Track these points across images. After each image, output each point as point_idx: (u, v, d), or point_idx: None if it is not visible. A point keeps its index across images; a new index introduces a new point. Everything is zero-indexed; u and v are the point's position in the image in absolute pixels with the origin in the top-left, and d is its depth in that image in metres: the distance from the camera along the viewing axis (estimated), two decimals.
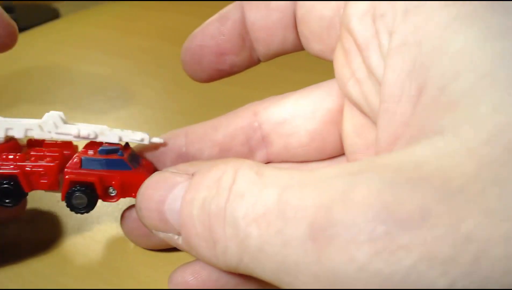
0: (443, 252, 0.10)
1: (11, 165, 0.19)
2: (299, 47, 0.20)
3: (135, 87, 0.39)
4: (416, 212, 0.11)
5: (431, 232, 0.10)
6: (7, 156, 0.19)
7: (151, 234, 0.17)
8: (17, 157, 0.19)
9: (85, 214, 0.20)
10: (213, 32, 0.20)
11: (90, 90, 0.39)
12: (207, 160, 0.21)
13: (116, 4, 0.56)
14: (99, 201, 0.20)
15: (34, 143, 0.21)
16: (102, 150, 0.19)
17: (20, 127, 0.19)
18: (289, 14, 0.19)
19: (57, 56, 0.44)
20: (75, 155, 0.19)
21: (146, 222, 0.17)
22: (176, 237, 0.16)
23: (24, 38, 0.48)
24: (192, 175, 0.16)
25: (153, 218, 0.17)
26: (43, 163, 0.19)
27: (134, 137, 0.20)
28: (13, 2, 0.55)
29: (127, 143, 0.20)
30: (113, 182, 0.19)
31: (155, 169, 0.20)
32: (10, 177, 0.19)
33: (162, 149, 0.21)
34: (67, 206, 0.19)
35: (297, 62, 0.41)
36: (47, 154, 0.20)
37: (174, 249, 0.21)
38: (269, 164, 0.21)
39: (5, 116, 0.20)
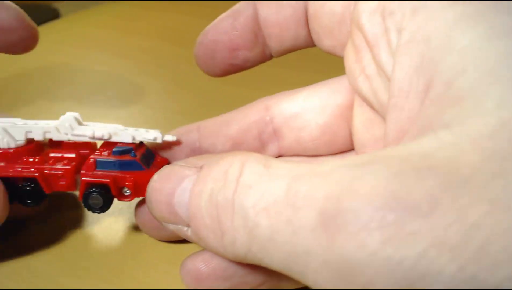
0: (452, 239, 0.11)
1: (31, 168, 0.20)
2: (310, 43, 0.20)
3: (135, 87, 0.39)
4: (425, 200, 0.11)
5: (439, 219, 0.11)
6: (27, 159, 0.20)
7: (163, 226, 0.18)
8: (36, 160, 0.20)
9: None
10: (226, 27, 0.21)
11: (90, 90, 0.39)
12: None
13: (116, 4, 0.56)
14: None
15: (54, 143, 0.21)
16: (115, 151, 0.20)
17: (39, 130, 0.20)
18: (301, 10, 0.20)
19: (57, 56, 0.44)
20: (90, 157, 0.20)
21: (156, 214, 0.18)
22: (185, 229, 0.17)
23: None
24: (201, 168, 0.17)
25: (162, 211, 0.17)
26: (60, 165, 0.20)
27: (147, 136, 0.20)
28: (13, 2, 0.55)
29: (141, 141, 0.21)
30: (127, 183, 0.20)
31: None
32: (31, 180, 0.20)
33: (178, 142, 0.22)
34: (84, 206, 0.20)
35: (297, 62, 0.41)
36: (65, 156, 0.21)
37: (183, 241, 0.21)
38: (278, 158, 0.21)
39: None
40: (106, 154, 0.20)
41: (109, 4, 0.57)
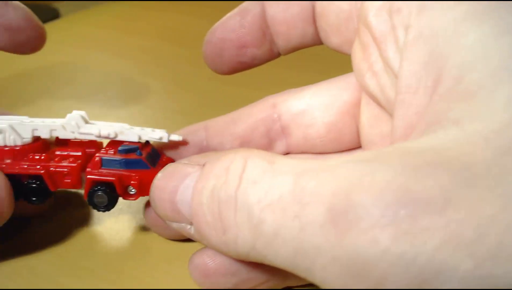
0: (468, 235, 0.10)
1: (37, 165, 0.20)
2: (317, 41, 0.21)
3: (135, 87, 0.40)
4: (439, 195, 0.11)
5: (454, 215, 0.11)
6: (33, 156, 0.20)
7: (168, 225, 0.18)
8: (42, 157, 0.20)
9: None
10: (234, 25, 0.21)
11: (90, 90, 0.39)
12: None
13: (116, 4, 0.57)
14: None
15: (61, 141, 0.21)
16: (121, 149, 0.20)
17: (45, 128, 0.20)
18: (308, 8, 0.20)
19: (57, 56, 0.44)
20: (96, 155, 0.20)
21: (159, 212, 0.18)
22: (188, 227, 0.17)
23: None
24: (203, 165, 0.17)
25: (166, 209, 0.17)
26: (66, 163, 0.20)
27: (153, 135, 0.20)
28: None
29: (147, 141, 0.21)
30: (132, 182, 0.20)
31: None
32: (36, 177, 0.20)
33: (184, 142, 0.22)
34: (89, 204, 0.20)
35: (297, 62, 0.41)
36: (71, 154, 0.21)
37: (188, 240, 0.21)
38: (284, 155, 0.21)
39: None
40: (112, 152, 0.20)
41: (109, 4, 0.57)
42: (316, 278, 0.13)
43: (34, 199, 0.20)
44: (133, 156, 0.20)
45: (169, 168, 0.18)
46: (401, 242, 0.11)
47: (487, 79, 0.12)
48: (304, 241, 0.13)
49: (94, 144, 0.21)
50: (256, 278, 0.18)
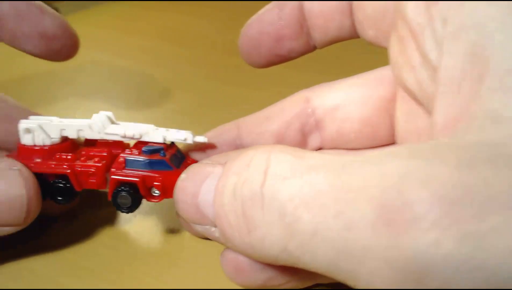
0: None
1: (64, 165, 0.20)
2: (354, 34, 0.20)
3: (135, 87, 0.40)
4: (505, 192, 0.10)
5: None
6: (60, 156, 0.20)
7: (192, 227, 0.18)
8: (69, 157, 0.20)
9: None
10: (272, 18, 0.21)
11: (90, 89, 0.39)
12: None
13: (116, 4, 0.56)
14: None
15: (89, 142, 0.22)
16: (145, 150, 0.20)
17: (73, 128, 0.21)
18: (345, 1, 0.20)
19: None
20: (120, 155, 0.20)
21: (183, 215, 0.17)
22: (212, 229, 0.17)
23: None
24: (224, 164, 0.16)
25: (189, 211, 0.17)
26: (91, 163, 0.20)
27: (178, 136, 0.21)
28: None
29: (173, 142, 0.21)
30: (155, 183, 0.20)
31: None
32: (62, 177, 0.20)
33: (211, 144, 0.22)
34: (113, 205, 0.20)
35: (299, 61, 0.41)
36: (96, 154, 0.21)
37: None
38: (313, 151, 0.21)
39: None
40: (137, 153, 0.20)
41: (109, 4, 0.57)
42: (360, 281, 0.12)
43: (60, 198, 0.21)
44: (157, 157, 0.20)
45: (191, 168, 0.18)
46: (466, 244, 0.10)
47: None
48: (349, 241, 0.12)
49: (121, 145, 0.21)
50: (286, 275, 0.18)
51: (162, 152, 0.20)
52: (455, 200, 0.10)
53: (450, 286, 0.10)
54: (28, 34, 0.24)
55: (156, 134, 0.20)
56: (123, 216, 0.24)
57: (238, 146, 0.22)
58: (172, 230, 0.23)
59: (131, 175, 0.20)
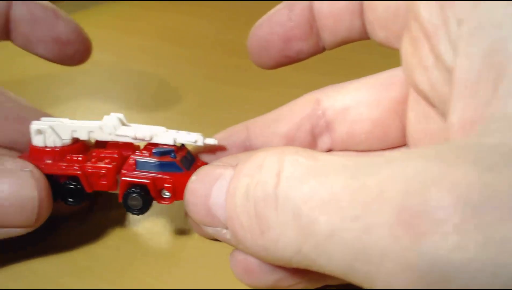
0: None
1: (75, 166, 0.20)
2: (364, 35, 0.20)
3: (134, 87, 0.39)
4: None
5: None
6: (71, 157, 0.20)
7: (204, 229, 0.18)
8: (79, 158, 0.20)
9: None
10: (281, 18, 0.21)
11: (90, 89, 0.39)
12: None
13: (116, 4, 0.56)
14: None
15: (100, 144, 0.22)
16: (156, 152, 0.20)
17: (84, 129, 0.21)
18: (356, 2, 0.20)
19: None
20: (131, 157, 0.20)
21: (194, 217, 0.17)
22: (224, 231, 0.16)
23: None
24: (236, 166, 0.16)
25: (200, 213, 0.17)
26: (102, 164, 0.20)
27: (188, 138, 0.21)
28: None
29: (183, 144, 0.21)
30: (166, 185, 0.20)
31: None
32: (73, 178, 0.20)
33: (222, 146, 0.22)
34: (124, 206, 0.20)
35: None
36: (107, 155, 0.21)
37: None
38: (325, 153, 0.21)
39: None
40: (147, 154, 0.20)
41: (109, 4, 0.57)
42: (377, 284, 0.12)
43: (70, 200, 0.21)
44: (167, 159, 0.20)
45: (201, 170, 0.18)
46: (489, 248, 0.10)
47: None
48: (367, 243, 0.12)
49: (132, 147, 0.22)
50: (296, 276, 0.18)
51: (172, 154, 0.20)
52: (478, 204, 0.10)
53: (471, 288, 0.10)
54: (42, 39, 0.24)
55: (166, 136, 0.21)
56: (122, 216, 0.24)
57: (248, 147, 0.22)
58: (172, 230, 0.23)
59: (142, 177, 0.20)
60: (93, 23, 0.52)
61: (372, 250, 0.12)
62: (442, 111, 0.17)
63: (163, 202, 0.20)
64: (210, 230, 0.17)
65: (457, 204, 0.10)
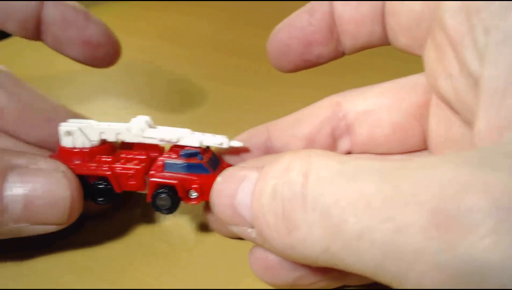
0: None
1: (104, 167, 0.21)
2: (384, 41, 0.21)
3: (135, 87, 0.40)
4: None
5: None
6: (100, 158, 0.21)
7: (229, 229, 0.18)
8: (109, 159, 0.21)
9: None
10: (302, 23, 0.21)
11: (90, 89, 0.39)
12: None
13: (116, 4, 0.57)
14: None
15: (126, 145, 0.22)
16: (183, 153, 0.21)
17: (112, 131, 0.21)
18: (378, 7, 0.20)
19: (58, 56, 0.43)
20: (159, 158, 0.21)
21: (220, 216, 0.18)
22: (249, 230, 0.17)
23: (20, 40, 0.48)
24: (262, 168, 0.17)
25: (226, 213, 0.17)
26: (131, 165, 0.21)
27: (214, 140, 0.21)
28: None
29: (208, 146, 0.22)
30: (193, 185, 0.20)
31: None
32: (103, 178, 0.21)
33: (245, 148, 0.22)
34: (152, 206, 0.21)
35: None
36: (136, 157, 0.22)
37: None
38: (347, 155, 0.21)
39: None
40: (174, 156, 0.21)
41: (109, 4, 0.57)
42: (407, 284, 0.12)
43: (100, 199, 0.21)
44: (194, 161, 0.20)
45: (227, 172, 0.18)
46: None
47: None
48: (399, 244, 0.12)
49: (157, 149, 0.22)
50: (315, 275, 0.18)
51: (199, 155, 0.21)
52: (511, 207, 0.11)
53: (506, 288, 0.11)
54: (73, 40, 0.25)
55: (192, 138, 0.21)
56: (122, 217, 0.24)
57: (269, 149, 0.22)
58: (172, 230, 0.24)
59: (170, 178, 0.20)
60: None
61: (403, 251, 0.12)
62: (465, 118, 0.17)
63: (191, 202, 0.21)
64: (235, 229, 0.17)
65: (491, 208, 0.11)
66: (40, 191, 0.19)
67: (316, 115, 0.22)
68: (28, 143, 0.23)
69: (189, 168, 0.20)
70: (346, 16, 0.20)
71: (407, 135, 0.21)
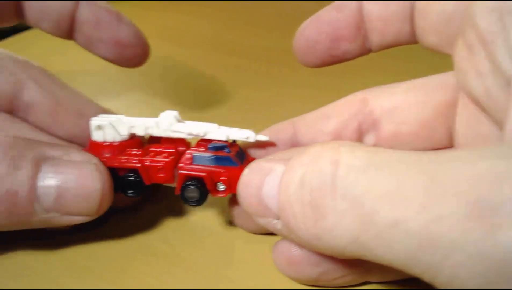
0: None
1: (134, 159, 0.21)
2: (412, 39, 0.21)
3: (135, 87, 0.40)
4: None
5: None
6: (130, 151, 0.22)
7: (254, 221, 0.18)
8: (139, 152, 0.22)
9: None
10: (330, 18, 0.21)
11: (90, 90, 0.39)
12: None
13: (116, 4, 0.56)
14: None
15: (154, 140, 0.23)
16: (211, 147, 0.21)
17: (141, 125, 0.22)
18: (407, 6, 0.20)
19: (57, 56, 0.44)
20: (187, 151, 0.21)
21: (246, 208, 0.18)
22: (274, 221, 0.17)
23: (24, 38, 0.48)
24: (289, 159, 0.17)
25: (252, 204, 0.18)
26: (160, 158, 0.21)
27: (240, 134, 0.22)
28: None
29: (234, 141, 0.22)
30: (222, 178, 0.21)
31: None
32: (133, 171, 0.21)
33: (271, 143, 0.22)
34: (181, 198, 0.21)
35: (297, 61, 0.41)
36: (164, 150, 0.22)
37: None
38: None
39: None
40: (202, 149, 0.21)
41: (109, 4, 0.57)
42: (441, 274, 0.12)
43: (130, 192, 0.22)
44: (222, 153, 0.21)
45: (254, 164, 0.18)
46: None
47: None
48: (434, 234, 0.12)
49: (184, 143, 0.23)
50: (339, 270, 0.18)
51: (227, 148, 0.21)
52: None
53: None
54: (104, 41, 0.26)
55: (219, 132, 0.22)
56: (122, 217, 0.24)
57: (294, 144, 0.22)
58: (172, 230, 0.24)
59: (199, 170, 0.21)
60: None
61: (439, 241, 0.12)
62: (495, 117, 0.17)
63: (218, 195, 0.21)
64: (261, 221, 0.18)
65: None
66: (72, 182, 0.20)
67: (343, 111, 0.22)
68: (60, 138, 0.24)
69: (217, 160, 0.21)
70: (375, 14, 0.21)
71: (433, 133, 0.21)
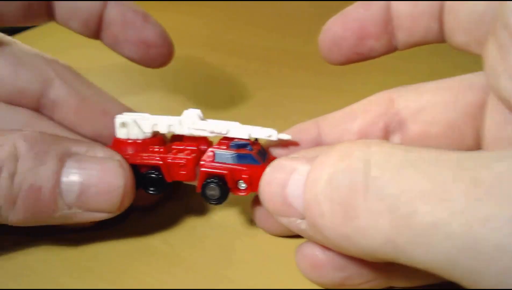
0: None
1: (156, 157, 0.22)
2: (440, 38, 0.21)
3: (135, 87, 0.40)
4: None
5: None
6: (153, 148, 0.22)
7: (277, 220, 0.18)
8: (161, 150, 0.22)
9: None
10: (357, 15, 0.21)
11: None
12: None
13: None
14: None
15: (176, 138, 0.23)
16: (233, 144, 0.21)
17: (164, 123, 0.22)
18: (436, 5, 0.20)
19: (57, 56, 0.43)
20: (209, 149, 0.21)
21: (268, 207, 0.18)
22: (298, 221, 0.17)
23: (24, 38, 0.48)
24: (313, 158, 0.17)
25: (275, 203, 0.17)
26: (182, 155, 0.22)
27: (263, 133, 0.22)
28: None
29: (256, 139, 0.22)
30: (243, 176, 0.21)
31: None
32: (155, 168, 0.22)
33: (294, 142, 0.22)
34: (202, 196, 0.21)
35: (296, 61, 0.41)
36: (186, 148, 0.22)
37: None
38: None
39: None
40: (224, 147, 0.21)
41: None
42: (484, 280, 0.12)
43: (152, 189, 0.22)
44: (244, 151, 0.21)
45: (277, 162, 0.18)
46: None
47: None
48: (479, 237, 0.11)
49: (206, 141, 0.23)
50: (363, 275, 0.18)
51: (249, 146, 0.21)
52: None
53: None
54: (130, 41, 0.26)
55: (241, 130, 0.22)
56: (122, 217, 0.24)
57: (319, 143, 0.22)
58: (172, 230, 0.24)
59: (220, 168, 0.21)
60: None
61: (484, 245, 0.11)
62: None
63: (239, 193, 0.21)
64: (284, 221, 0.17)
65: None
66: (95, 178, 0.20)
67: (369, 110, 0.22)
68: (84, 136, 0.24)
69: (239, 158, 0.21)
70: (403, 12, 0.20)
71: (461, 134, 0.21)
